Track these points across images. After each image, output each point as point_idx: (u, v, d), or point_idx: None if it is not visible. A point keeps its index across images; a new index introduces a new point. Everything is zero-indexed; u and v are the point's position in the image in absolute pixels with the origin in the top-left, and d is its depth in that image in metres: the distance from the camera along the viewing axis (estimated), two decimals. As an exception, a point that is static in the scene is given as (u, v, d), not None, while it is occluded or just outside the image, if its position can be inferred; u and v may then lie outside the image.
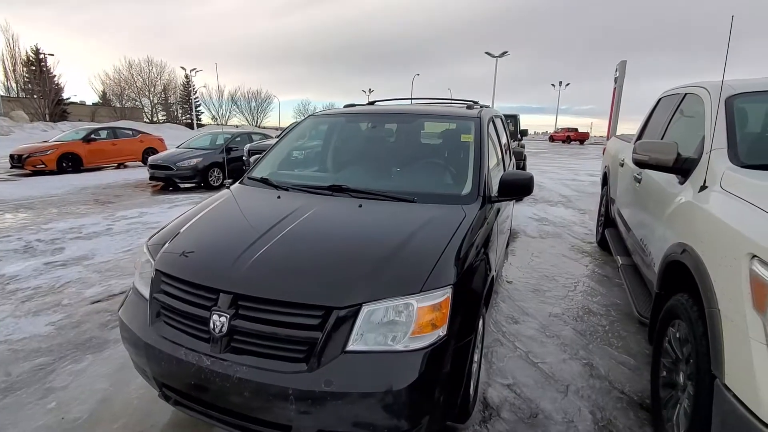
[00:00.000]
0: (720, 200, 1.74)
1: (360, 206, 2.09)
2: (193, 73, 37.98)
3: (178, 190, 8.91)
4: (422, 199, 2.16)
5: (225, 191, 2.55)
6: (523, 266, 4.26)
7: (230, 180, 2.79)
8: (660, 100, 3.74)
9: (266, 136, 10.64)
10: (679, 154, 2.23)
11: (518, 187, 2.27)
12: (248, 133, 10.44)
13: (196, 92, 46.12)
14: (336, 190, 2.30)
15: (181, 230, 2.01)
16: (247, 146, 7.98)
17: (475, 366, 1.92)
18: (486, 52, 25.76)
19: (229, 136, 9.88)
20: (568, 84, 40.92)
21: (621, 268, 3.29)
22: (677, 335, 1.87)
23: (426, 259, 1.63)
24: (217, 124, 50.80)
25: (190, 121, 46.08)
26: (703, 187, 1.92)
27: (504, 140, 3.64)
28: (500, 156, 3.20)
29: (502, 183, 2.28)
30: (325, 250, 1.74)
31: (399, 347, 1.46)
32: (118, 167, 12.50)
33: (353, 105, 3.51)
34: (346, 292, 1.49)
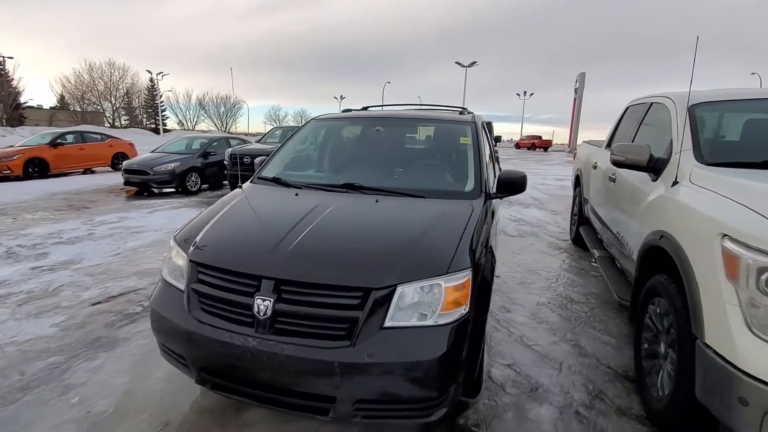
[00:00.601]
0: (691, 192, 2.04)
1: (377, 201, 2.27)
2: (159, 76, 36.83)
3: (153, 195, 8.71)
4: (431, 195, 2.36)
5: (238, 190, 2.65)
6: (508, 262, 4.54)
7: (223, 183, 2.88)
8: (627, 108, 4.15)
9: (244, 141, 10.59)
10: (651, 155, 2.56)
11: (513, 185, 2.51)
12: (226, 137, 10.36)
13: (161, 96, 44.71)
14: (349, 187, 2.46)
15: (208, 225, 2.10)
16: (229, 151, 7.96)
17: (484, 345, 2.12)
18: (456, 62, 26.72)
19: (206, 141, 9.77)
20: (532, 94, 42.85)
21: (599, 260, 3.62)
22: (657, 311, 2.15)
23: (448, 244, 1.83)
24: (185, 129, 49.39)
25: (154, 126, 44.57)
26: (675, 183, 2.23)
27: (488, 145, 3.93)
28: (489, 158, 3.47)
29: (500, 181, 2.52)
30: (356, 239, 1.90)
31: (429, 323, 1.64)
32: (84, 172, 12.01)
33: (350, 110, 3.69)
34: (382, 275, 1.66)
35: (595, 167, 4.29)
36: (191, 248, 1.95)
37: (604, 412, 2.17)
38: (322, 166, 2.96)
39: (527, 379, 2.43)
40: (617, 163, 2.72)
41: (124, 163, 9.01)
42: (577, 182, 5.29)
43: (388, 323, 1.62)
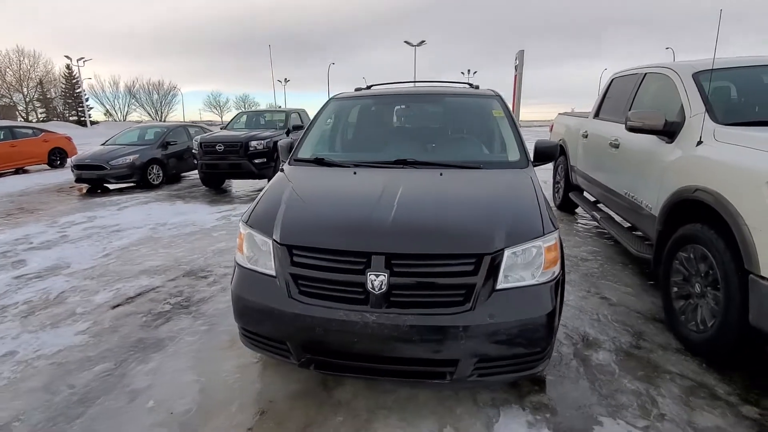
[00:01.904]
0: (722, 149, 2.31)
1: (441, 174, 2.31)
2: (80, 63, 32.96)
3: (108, 192, 7.99)
4: (486, 166, 2.45)
5: (280, 174, 2.55)
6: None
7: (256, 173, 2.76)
8: (612, 80, 4.47)
9: (204, 129, 9.96)
10: (666, 120, 2.83)
11: (548, 154, 2.67)
12: (184, 126, 9.66)
13: (80, 85, 40.18)
14: (402, 163, 2.48)
15: (283, 208, 2.03)
16: (198, 139, 7.45)
17: None
18: (405, 41, 26.68)
19: (164, 131, 9.06)
20: (476, 72, 43.98)
21: (602, 221, 3.95)
22: (690, 256, 2.43)
23: (534, 210, 1.94)
24: (114, 120, 45.03)
25: (77, 118, 40.17)
26: (700, 142, 2.50)
27: None
28: None
29: (537, 150, 2.67)
30: (449, 210, 1.94)
31: (534, 282, 1.75)
32: (17, 172, 10.65)
33: (361, 89, 3.65)
34: (491, 240, 1.73)
35: (585, 136, 4.61)
36: (277, 232, 1.89)
37: (650, 349, 2.44)
38: (361, 144, 2.92)
39: (575, 331, 2.65)
40: (634, 129, 2.96)
41: (73, 158, 8.15)
42: (561, 152, 5.63)
43: (499, 285, 1.70)
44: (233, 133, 7.71)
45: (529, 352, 1.73)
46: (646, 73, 3.66)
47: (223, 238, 4.72)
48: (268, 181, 8.24)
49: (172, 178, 8.93)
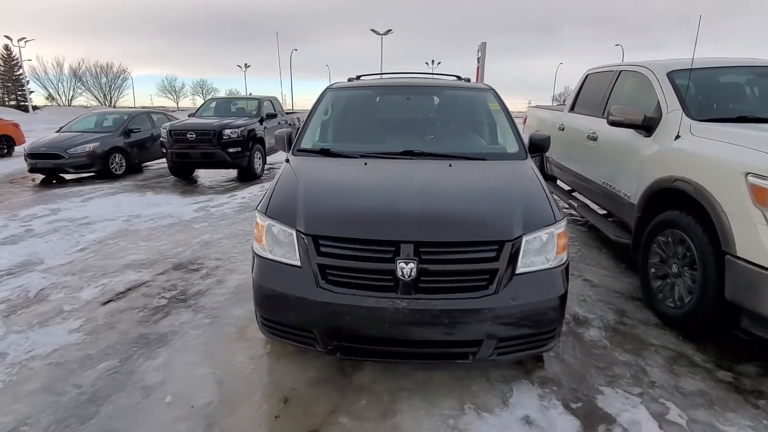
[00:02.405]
0: (699, 143, 2.55)
1: (450, 166, 2.39)
2: (21, 43, 29.92)
3: (65, 183, 7.46)
4: (490, 157, 2.56)
5: (290, 164, 2.54)
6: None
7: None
8: (587, 77, 4.73)
9: (168, 117, 9.46)
10: (645, 115, 3.06)
11: (541, 146, 2.83)
12: (147, 112, 9.14)
13: (21, 67, 36.62)
14: (409, 154, 2.54)
15: (303, 198, 2.04)
16: (167, 126, 7.08)
17: None
18: (372, 30, 26.39)
19: (125, 117, 8.52)
20: (439, 62, 44.40)
21: (580, 209, 4.21)
22: (668, 240, 2.68)
23: (544, 199, 2.07)
24: (58, 105, 41.47)
25: (17, 102, 36.63)
26: (678, 137, 2.74)
27: None
28: None
29: (531, 142, 2.81)
30: (467, 199, 2.03)
31: (548, 266, 1.88)
32: (-48, 161, 9.66)
33: (352, 78, 3.65)
34: (511, 228, 1.84)
35: (562, 129, 4.85)
36: (301, 223, 1.90)
37: (633, 325, 2.68)
38: (363, 135, 2.94)
39: (566, 311, 2.85)
40: (615, 123, 3.18)
41: (28, 146, 7.51)
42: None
43: (519, 270, 1.82)
44: (205, 121, 7.41)
45: (544, 330, 1.87)
46: (621, 71, 3.92)
47: (206, 230, 4.59)
48: (240, 171, 7.96)
49: (133, 168, 8.45)
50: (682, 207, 2.59)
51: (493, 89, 3.21)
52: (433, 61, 43.29)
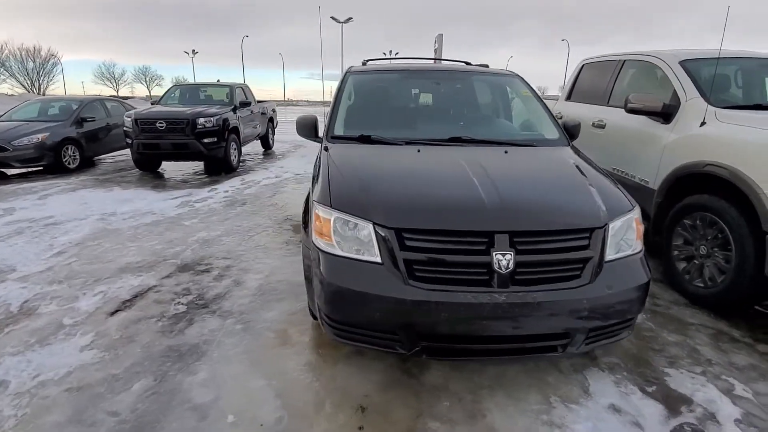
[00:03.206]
0: (730, 129, 2.64)
1: (506, 152, 2.31)
2: None
3: (7, 178, 6.56)
4: (539, 143, 2.51)
5: (329, 152, 2.33)
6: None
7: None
8: (583, 66, 4.84)
9: (123, 105, 8.61)
10: (663, 103, 3.15)
11: (573, 132, 2.82)
12: (100, 100, 8.24)
13: None
14: (456, 140, 2.43)
15: (372, 190, 1.86)
16: (132, 114, 6.39)
17: None
18: (332, 17, 25.61)
19: (75, 104, 7.62)
20: (397, 53, 44.20)
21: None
22: (696, 223, 2.78)
23: (614, 185, 2.04)
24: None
25: None
26: (704, 123, 2.84)
27: None
28: None
29: (565, 128, 2.80)
30: (544, 186, 1.96)
31: (631, 252, 1.85)
32: None
33: (370, 60, 3.46)
34: (598, 215, 1.79)
35: (560, 117, 4.94)
36: (379, 215, 1.73)
37: (666, 306, 2.77)
38: (400, 120, 2.77)
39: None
40: (634, 110, 3.25)
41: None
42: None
43: (607, 257, 1.77)
44: (175, 109, 6.80)
45: (628, 318, 1.84)
46: (624, 60, 4.02)
47: (199, 227, 4.20)
48: (209, 164, 7.44)
49: (86, 161, 7.60)
50: (713, 191, 2.69)
51: (519, 75, 3.16)
52: (391, 51, 43.08)
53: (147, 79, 65.14)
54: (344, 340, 1.84)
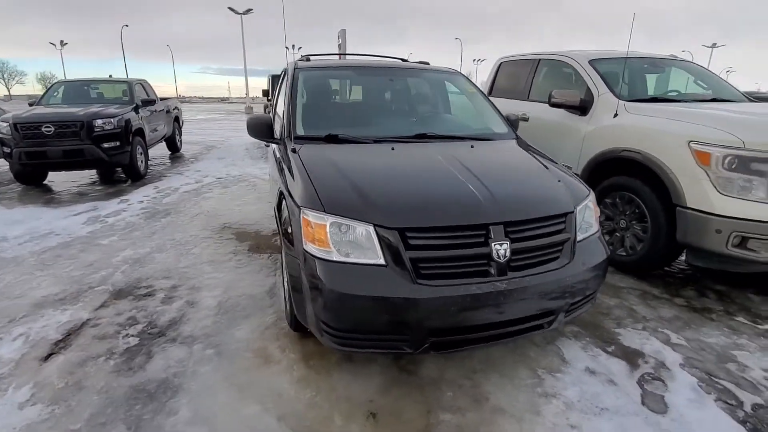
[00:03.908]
0: (639, 119, 3.11)
1: (472, 147, 2.42)
2: None
3: None
4: (495, 137, 2.69)
5: (301, 154, 2.21)
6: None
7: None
8: (501, 64, 5.25)
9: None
10: (581, 98, 3.59)
11: (516, 125, 3.09)
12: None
13: None
14: (421, 137, 2.49)
15: (365, 190, 1.82)
16: (9, 118, 5.21)
17: None
18: (229, 8, 23.70)
19: None
20: (300, 47, 42.96)
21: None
22: (616, 201, 3.24)
23: (571, 173, 2.28)
24: None
25: None
26: (616, 115, 3.30)
27: None
28: None
29: (509, 121, 3.05)
30: (519, 177, 2.10)
31: (593, 231, 2.10)
32: None
33: (307, 57, 3.35)
34: (569, 200, 1.98)
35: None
36: (379, 216, 1.70)
37: (599, 275, 3.19)
38: (360, 118, 2.71)
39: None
40: (556, 104, 3.66)
41: None
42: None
43: (579, 237, 1.98)
44: (65, 110, 5.77)
45: (595, 289, 2.09)
46: (540, 59, 4.47)
47: (122, 245, 3.67)
48: (105, 172, 6.64)
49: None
50: (628, 173, 3.16)
51: (461, 72, 3.33)
52: (294, 45, 41.74)
53: (4, 75, 54.23)
54: (347, 348, 1.79)
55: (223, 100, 76.45)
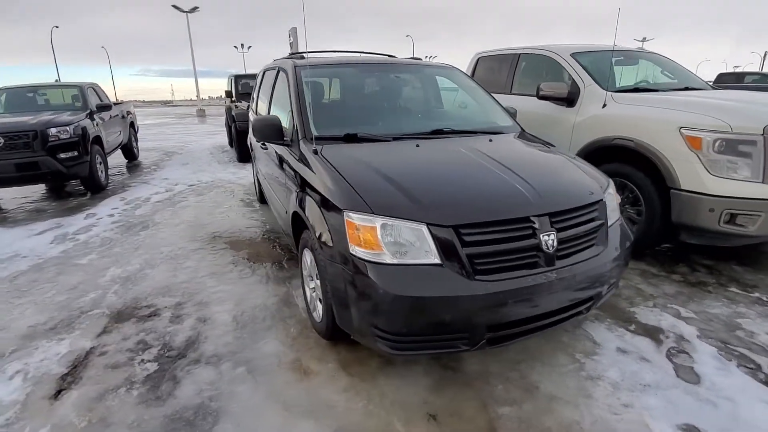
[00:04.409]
0: (627, 108, 3.28)
1: (491, 141, 2.44)
2: None
3: None
4: (506, 131, 2.73)
5: (322, 156, 2.12)
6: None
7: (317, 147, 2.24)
8: (478, 59, 5.34)
9: None
10: (569, 90, 3.73)
11: (514, 118, 3.16)
12: None
13: None
14: (438, 133, 2.48)
15: (409, 188, 1.79)
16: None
17: None
18: (174, 6, 22.22)
19: None
20: (250, 47, 41.46)
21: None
22: (609, 187, 3.40)
23: (589, 164, 2.36)
24: None
25: None
26: (605, 105, 3.46)
27: None
28: None
29: (510, 114, 3.12)
30: (547, 168, 2.14)
31: (616, 218, 2.18)
32: None
33: (299, 54, 3.24)
34: (599, 188, 2.05)
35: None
36: (432, 215, 1.67)
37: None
38: (373, 115, 2.63)
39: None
40: (545, 97, 3.79)
41: None
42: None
43: (609, 223, 2.06)
44: (11, 120, 5.17)
45: (622, 272, 2.18)
46: (520, 54, 4.60)
47: (105, 263, 3.36)
48: (59, 185, 6.18)
49: None
50: (620, 160, 3.32)
51: (457, 67, 3.35)
52: (243, 44, 40.27)
53: None
54: (403, 351, 1.75)
55: (166, 103, 72.34)
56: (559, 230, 1.81)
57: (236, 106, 8.42)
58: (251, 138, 4.58)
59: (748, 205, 2.69)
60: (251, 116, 4.26)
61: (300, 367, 2.07)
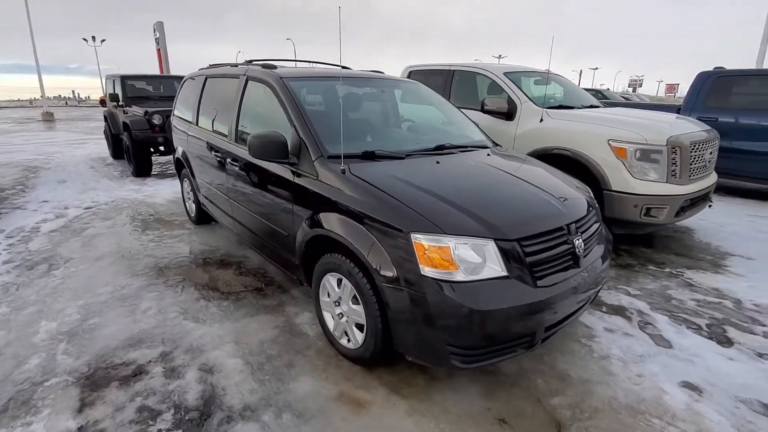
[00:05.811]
0: (561, 123, 3.86)
1: (488, 155, 2.65)
2: None
3: None
4: (486, 144, 2.98)
5: (352, 176, 2.05)
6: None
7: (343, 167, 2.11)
8: (410, 73, 5.61)
9: None
10: (508, 105, 4.21)
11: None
12: None
13: None
14: (441, 148, 2.61)
15: (464, 206, 1.87)
16: None
17: None
18: None
19: None
20: (104, 40, 35.30)
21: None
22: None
23: (569, 175, 2.74)
24: None
25: None
26: (542, 120, 3.99)
27: None
28: None
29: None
30: (554, 180, 2.42)
31: (599, 219, 2.59)
32: None
33: (273, 65, 3.04)
34: (589, 194, 2.41)
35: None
36: (496, 230, 1.79)
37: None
38: (374, 132, 2.57)
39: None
40: (489, 111, 4.22)
41: None
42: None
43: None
44: None
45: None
46: (454, 70, 5.00)
47: (24, 317, 2.62)
48: None
49: None
50: (558, 166, 3.88)
51: (421, 83, 3.51)
52: (94, 37, 34.20)
53: None
54: (473, 364, 1.82)
55: (24, 101, 56.91)
56: (582, 234, 2.10)
57: (125, 112, 7.26)
58: (185, 152, 4.05)
59: (659, 200, 3.44)
60: (194, 130, 3.77)
61: (350, 400, 1.98)
